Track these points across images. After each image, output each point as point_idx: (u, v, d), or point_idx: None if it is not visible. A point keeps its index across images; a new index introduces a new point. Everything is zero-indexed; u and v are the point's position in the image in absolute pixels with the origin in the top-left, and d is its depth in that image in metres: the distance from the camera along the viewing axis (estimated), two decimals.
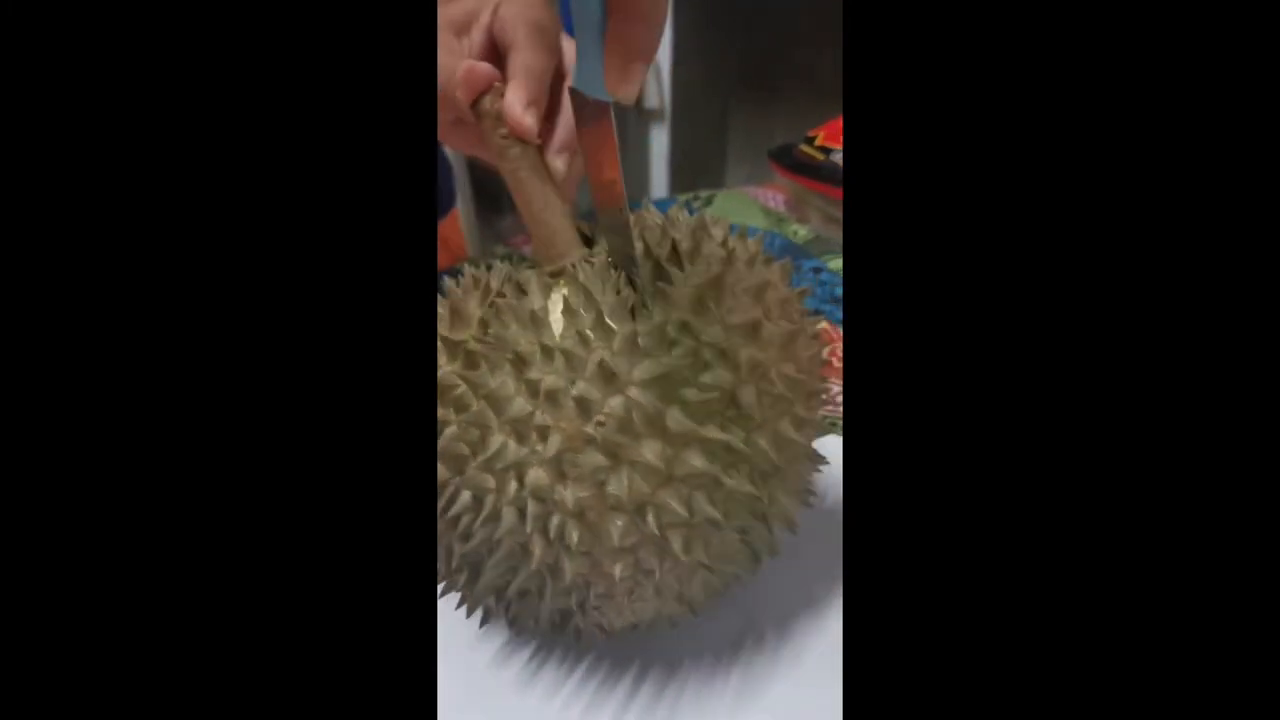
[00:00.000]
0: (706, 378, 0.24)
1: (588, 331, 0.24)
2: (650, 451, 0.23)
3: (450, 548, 0.26)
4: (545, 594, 0.26)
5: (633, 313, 0.24)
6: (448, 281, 0.28)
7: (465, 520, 0.25)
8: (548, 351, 0.24)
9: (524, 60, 0.30)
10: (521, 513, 0.24)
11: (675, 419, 0.24)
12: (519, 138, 0.29)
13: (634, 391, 0.24)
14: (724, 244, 0.27)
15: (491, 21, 0.32)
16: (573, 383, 0.24)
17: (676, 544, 0.24)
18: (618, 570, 0.25)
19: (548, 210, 0.29)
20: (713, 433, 0.24)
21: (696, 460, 0.24)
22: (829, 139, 0.68)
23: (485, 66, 0.29)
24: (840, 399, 0.49)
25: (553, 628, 0.29)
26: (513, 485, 0.24)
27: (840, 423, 0.47)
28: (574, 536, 0.24)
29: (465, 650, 0.35)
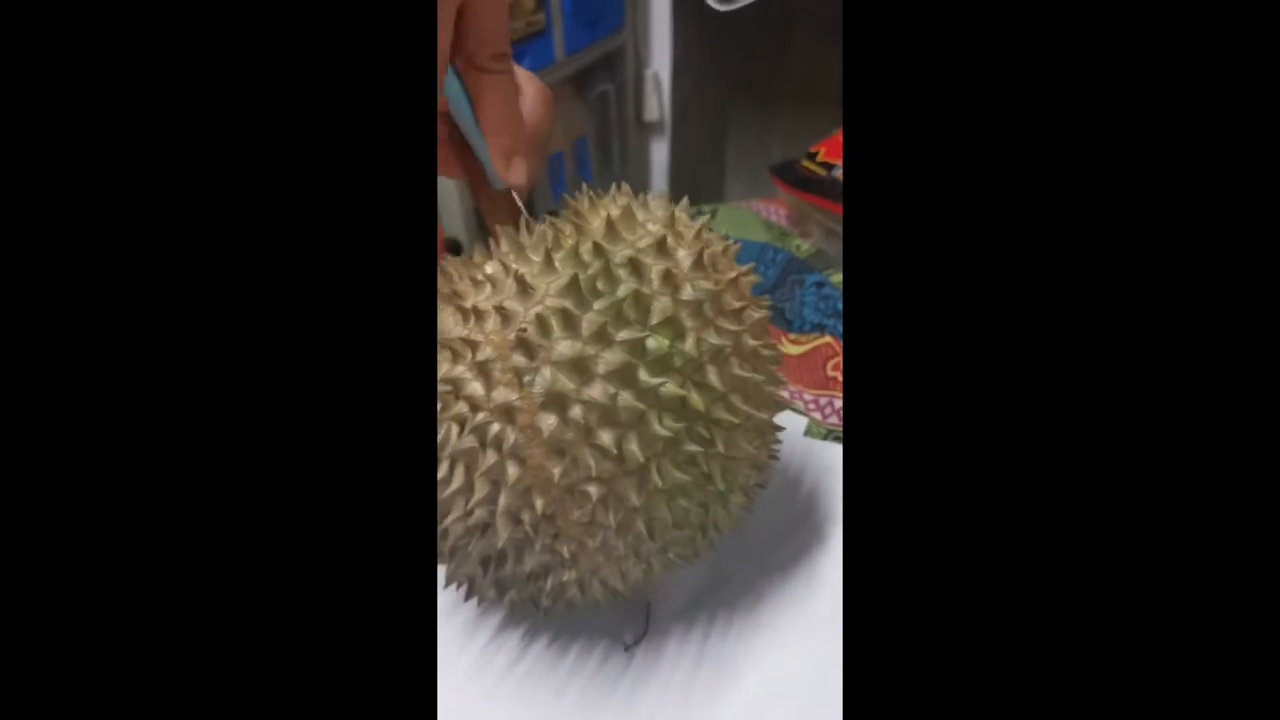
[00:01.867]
0: (620, 289, 0.26)
1: (511, 262, 0.27)
2: (567, 348, 0.26)
3: None
4: (497, 521, 0.27)
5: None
6: None
7: None
8: (478, 283, 0.28)
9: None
10: (463, 426, 0.26)
11: (590, 320, 0.26)
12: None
13: (550, 300, 0.26)
14: (637, 195, 0.31)
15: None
16: (498, 302, 0.26)
17: (607, 439, 0.26)
18: (556, 472, 0.26)
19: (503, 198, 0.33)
20: (629, 333, 0.26)
21: (614, 355, 0.26)
22: (830, 154, 0.69)
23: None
24: (842, 411, 0.49)
25: (518, 578, 0.30)
26: (453, 402, 0.26)
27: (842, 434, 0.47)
28: (509, 438, 0.26)
29: (462, 638, 0.37)
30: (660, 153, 1.15)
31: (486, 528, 0.28)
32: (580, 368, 0.26)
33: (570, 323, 0.26)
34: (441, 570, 0.33)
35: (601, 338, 0.26)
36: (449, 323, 0.27)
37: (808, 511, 0.42)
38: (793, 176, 0.70)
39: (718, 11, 0.96)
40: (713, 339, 0.27)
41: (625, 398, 0.26)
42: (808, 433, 0.47)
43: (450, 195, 1.14)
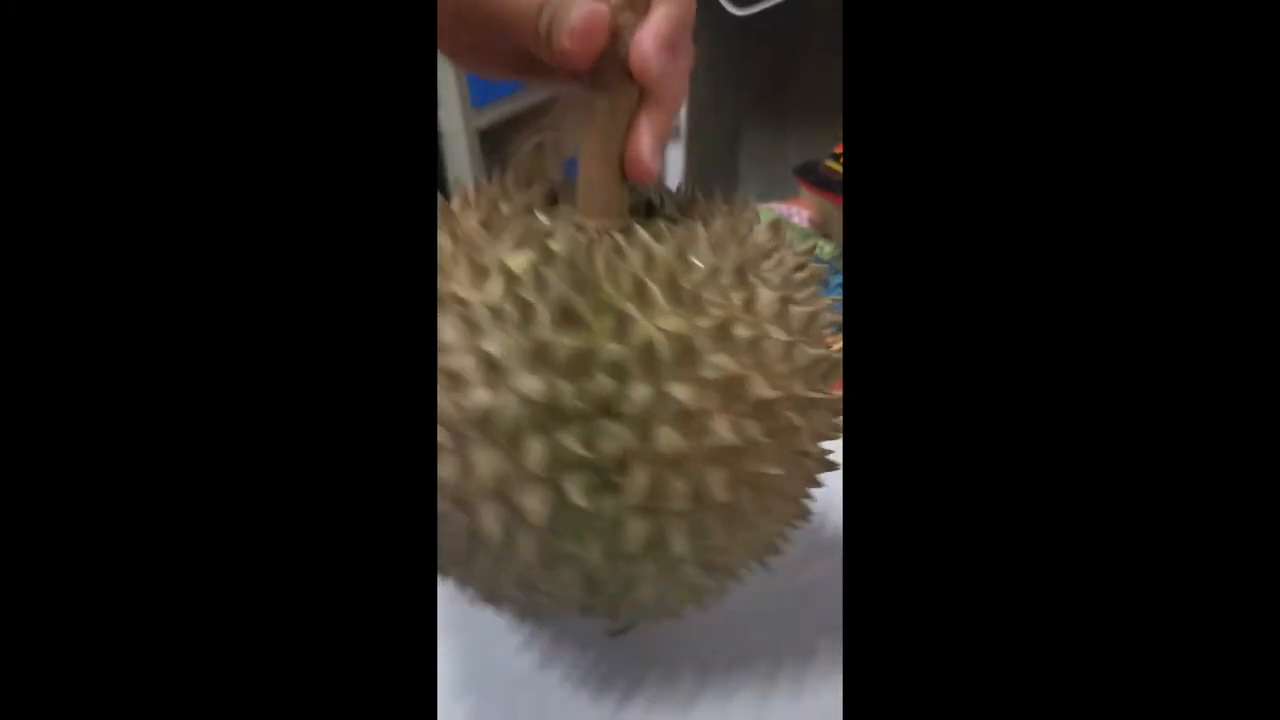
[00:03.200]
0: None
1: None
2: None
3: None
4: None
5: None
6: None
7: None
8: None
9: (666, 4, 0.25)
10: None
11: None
12: (639, 77, 0.25)
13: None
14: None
15: None
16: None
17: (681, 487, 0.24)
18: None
19: (609, 161, 0.26)
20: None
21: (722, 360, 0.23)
22: None
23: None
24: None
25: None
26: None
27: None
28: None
29: (463, 632, 0.35)
30: (675, 156, 1.16)
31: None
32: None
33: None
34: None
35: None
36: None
37: (833, 543, 0.41)
38: (816, 177, 0.71)
39: (734, 16, 0.96)
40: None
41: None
42: None
43: (457, 136, 1.09)
